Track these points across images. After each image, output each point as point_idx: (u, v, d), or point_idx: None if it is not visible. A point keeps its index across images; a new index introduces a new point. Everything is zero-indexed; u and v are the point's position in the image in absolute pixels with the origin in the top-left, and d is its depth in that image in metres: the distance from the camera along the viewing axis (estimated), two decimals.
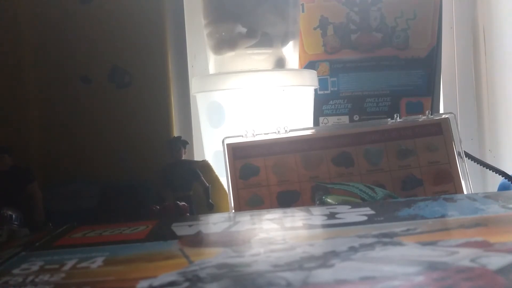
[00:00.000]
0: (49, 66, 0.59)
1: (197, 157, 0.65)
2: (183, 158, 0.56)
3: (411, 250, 0.28)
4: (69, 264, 0.30)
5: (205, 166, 0.58)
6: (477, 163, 0.56)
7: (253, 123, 0.58)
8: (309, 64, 0.74)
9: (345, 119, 0.73)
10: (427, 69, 0.71)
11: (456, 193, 0.52)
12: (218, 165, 0.59)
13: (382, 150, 0.53)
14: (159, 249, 0.32)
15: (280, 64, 0.65)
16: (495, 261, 0.25)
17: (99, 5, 0.59)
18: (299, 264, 0.27)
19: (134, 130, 0.60)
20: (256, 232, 0.35)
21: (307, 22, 0.74)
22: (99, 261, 0.30)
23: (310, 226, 0.36)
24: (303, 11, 0.73)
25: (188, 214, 0.51)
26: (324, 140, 0.54)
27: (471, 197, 0.41)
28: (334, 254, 0.28)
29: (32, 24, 0.59)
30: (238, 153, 0.53)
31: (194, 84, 0.65)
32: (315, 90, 0.68)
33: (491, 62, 0.75)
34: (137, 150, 0.60)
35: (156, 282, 0.25)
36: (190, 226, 0.38)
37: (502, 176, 0.53)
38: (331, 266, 0.26)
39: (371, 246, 0.29)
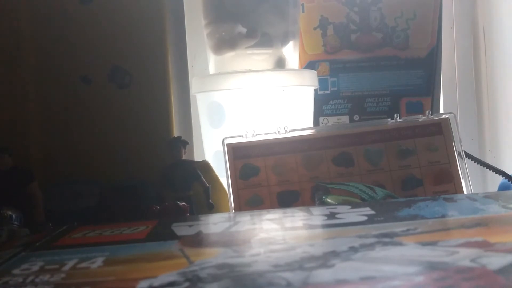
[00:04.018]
0: (49, 66, 0.59)
1: (197, 157, 0.65)
2: (183, 158, 0.56)
3: (411, 250, 0.28)
4: (69, 264, 0.30)
5: (205, 166, 0.58)
6: (477, 163, 0.56)
7: (253, 123, 0.58)
8: (309, 64, 0.74)
9: (345, 119, 0.73)
10: (427, 69, 0.71)
11: (456, 193, 0.52)
12: (218, 165, 0.59)
13: (382, 150, 0.53)
14: (159, 249, 0.32)
15: (280, 64, 0.65)
16: (495, 261, 0.25)
17: (99, 5, 0.59)
18: (299, 264, 0.27)
19: (134, 130, 0.60)
20: (256, 232, 0.35)
21: (307, 22, 0.74)
22: (99, 261, 0.30)
23: (310, 226, 0.36)
24: (303, 11, 0.73)
25: (188, 214, 0.51)
26: (324, 140, 0.54)
27: (471, 197, 0.41)
28: (334, 254, 0.28)
29: (32, 24, 0.59)
30: (238, 153, 0.53)
31: (194, 84, 0.65)
32: (315, 90, 0.68)
33: (491, 62, 0.75)
34: (137, 150, 0.60)
35: (156, 282, 0.25)
36: (190, 226, 0.38)
37: (502, 176, 0.53)
38: (331, 266, 0.26)
39: (371, 246, 0.29)
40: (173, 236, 0.35)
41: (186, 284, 0.25)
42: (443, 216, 0.36)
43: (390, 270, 0.25)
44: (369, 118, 0.71)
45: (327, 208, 0.40)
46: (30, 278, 0.28)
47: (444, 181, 0.52)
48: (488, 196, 0.40)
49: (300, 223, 0.37)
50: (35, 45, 0.59)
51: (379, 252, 0.28)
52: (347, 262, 0.27)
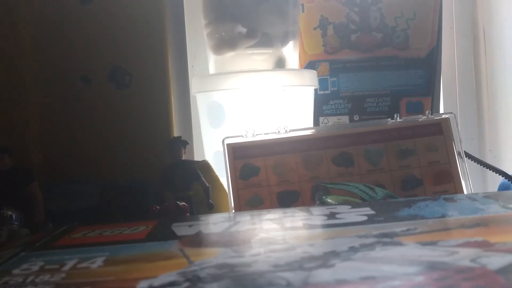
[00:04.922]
0: (49, 66, 0.59)
1: (197, 157, 0.65)
2: (183, 158, 0.56)
3: (411, 250, 0.28)
4: (69, 264, 0.30)
5: (205, 166, 0.58)
6: (477, 163, 0.56)
7: (253, 123, 0.58)
8: (309, 64, 0.74)
9: (345, 119, 0.73)
10: (427, 69, 0.71)
11: (456, 193, 0.52)
12: (218, 165, 0.59)
13: (382, 150, 0.53)
14: (159, 249, 0.32)
15: (280, 64, 0.65)
16: (495, 261, 0.25)
17: (99, 5, 0.59)
18: (299, 264, 0.27)
19: (134, 130, 0.60)
20: (256, 232, 0.35)
21: (307, 22, 0.74)
22: (99, 261, 0.30)
23: (310, 226, 0.36)
24: (303, 11, 0.73)
25: (188, 214, 0.51)
26: (324, 140, 0.54)
27: (471, 197, 0.41)
28: (334, 254, 0.28)
29: (32, 24, 0.59)
30: (238, 153, 0.53)
31: (194, 84, 0.65)
32: (315, 90, 0.68)
33: (491, 62, 0.75)
34: (137, 150, 0.60)
35: (156, 282, 0.25)
36: (190, 226, 0.38)
37: (502, 176, 0.53)
38: (331, 266, 0.26)
39: (371, 246, 0.29)
40: (173, 236, 0.35)
41: (186, 284, 0.25)
42: (443, 216, 0.36)
43: (390, 270, 0.25)
44: (369, 118, 0.71)
45: (327, 208, 0.40)
46: (30, 278, 0.28)
47: (444, 181, 0.52)
48: (488, 196, 0.40)
49: (300, 223, 0.37)
50: (35, 45, 0.59)
51: (379, 252, 0.28)
52: (347, 262, 0.27)
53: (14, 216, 0.48)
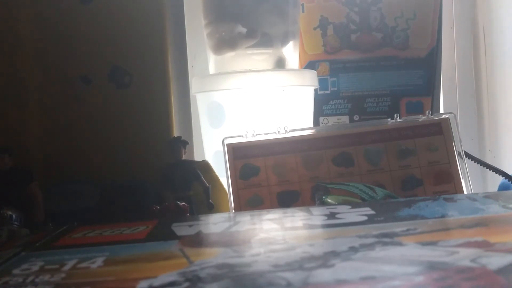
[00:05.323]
0: (49, 66, 0.59)
1: (197, 157, 0.65)
2: (183, 158, 0.56)
3: (411, 250, 0.28)
4: (69, 264, 0.30)
5: (205, 166, 0.58)
6: (477, 163, 0.56)
7: (253, 123, 0.58)
8: (309, 64, 0.74)
9: (345, 119, 0.73)
10: (427, 69, 0.71)
11: (456, 193, 0.52)
12: (218, 165, 0.59)
13: (382, 150, 0.53)
14: (159, 249, 0.32)
15: (280, 64, 0.65)
16: (495, 261, 0.25)
17: (99, 5, 0.59)
18: (299, 264, 0.27)
19: (134, 130, 0.60)
20: (256, 232, 0.35)
21: (307, 22, 0.74)
22: (99, 261, 0.30)
23: (310, 226, 0.36)
24: (303, 11, 0.73)
25: (188, 214, 0.51)
26: (324, 140, 0.54)
27: (471, 197, 0.41)
28: (334, 254, 0.28)
29: (32, 24, 0.59)
30: (238, 153, 0.53)
31: (194, 84, 0.65)
32: (315, 90, 0.68)
33: (491, 62, 0.75)
34: (137, 150, 0.60)
35: (156, 282, 0.25)
36: (190, 226, 0.38)
37: (502, 176, 0.53)
38: (331, 266, 0.26)
39: (371, 246, 0.29)
40: (173, 236, 0.35)
41: (186, 284, 0.25)
42: (443, 216, 0.36)
43: (390, 270, 0.25)
44: (369, 118, 0.71)
45: (327, 208, 0.40)
46: (30, 278, 0.28)
47: (444, 181, 0.52)
48: (488, 196, 0.40)
49: (300, 223, 0.37)
50: (35, 45, 0.59)
51: (379, 252, 0.28)
52: (347, 262, 0.27)
53: (14, 216, 0.48)
